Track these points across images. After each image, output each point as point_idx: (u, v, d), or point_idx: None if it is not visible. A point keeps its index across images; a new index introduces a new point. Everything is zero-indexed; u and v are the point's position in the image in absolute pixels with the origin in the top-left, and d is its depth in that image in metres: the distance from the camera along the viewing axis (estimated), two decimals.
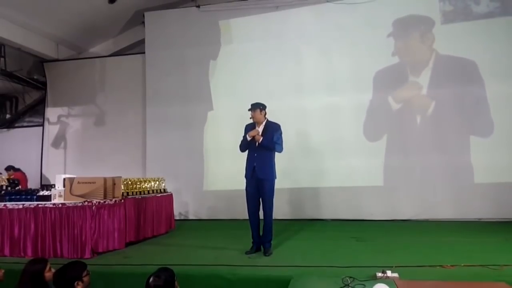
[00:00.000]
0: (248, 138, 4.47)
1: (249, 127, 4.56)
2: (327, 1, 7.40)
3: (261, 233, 4.49)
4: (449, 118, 6.87)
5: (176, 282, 2.64)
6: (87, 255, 4.39)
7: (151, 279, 2.55)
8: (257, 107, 4.52)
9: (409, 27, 7.16)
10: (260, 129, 4.52)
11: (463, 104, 6.82)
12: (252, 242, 4.52)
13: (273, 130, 4.50)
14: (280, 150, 4.54)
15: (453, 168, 6.76)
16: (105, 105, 8.84)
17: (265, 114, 4.58)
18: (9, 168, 7.86)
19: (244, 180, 4.56)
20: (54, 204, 4.63)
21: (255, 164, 4.42)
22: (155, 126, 8.15)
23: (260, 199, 4.47)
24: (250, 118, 4.55)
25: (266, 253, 4.36)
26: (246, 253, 4.40)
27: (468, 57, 6.84)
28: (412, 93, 7.07)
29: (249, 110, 4.53)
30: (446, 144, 6.84)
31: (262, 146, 4.43)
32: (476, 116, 6.78)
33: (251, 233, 4.53)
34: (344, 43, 7.35)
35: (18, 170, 8.02)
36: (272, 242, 4.54)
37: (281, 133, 4.53)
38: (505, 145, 6.61)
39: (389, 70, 7.16)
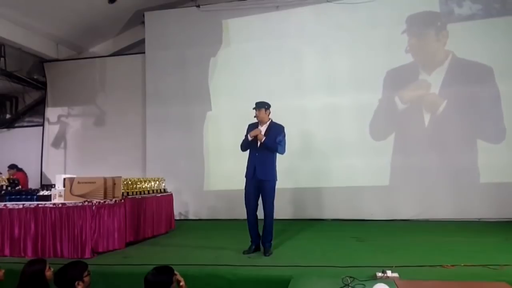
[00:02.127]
0: (249, 138, 4.44)
1: (252, 127, 4.52)
2: (327, 1, 7.38)
3: (261, 233, 4.48)
4: (454, 118, 6.85)
5: (175, 276, 2.66)
6: (87, 255, 4.39)
7: (149, 274, 2.59)
8: (262, 106, 4.48)
9: (420, 25, 7.11)
10: (263, 129, 4.47)
11: (471, 105, 6.80)
12: (251, 241, 4.51)
13: (276, 132, 4.45)
14: (282, 152, 4.50)
15: (454, 168, 6.75)
16: (105, 105, 8.83)
17: (269, 113, 4.53)
18: (12, 167, 7.78)
19: (244, 180, 4.54)
20: (54, 204, 4.63)
21: (256, 164, 4.40)
22: (155, 126, 8.15)
23: (261, 199, 4.45)
24: (255, 117, 4.52)
25: (266, 253, 4.35)
26: (244, 252, 4.39)
27: (468, 56, 6.85)
28: (421, 92, 7.03)
29: (253, 108, 4.50)
30: (448, 144, 6.83)
31: (264, 146, 4.39)
32: (484, 119, 6.76)
33: (249, 232, 4.52)
34: (344, 43, 7.35)
35: (21, 170, 7.97)
36: (272, 242, 4.53)
37: (284, 135, 4.48)
38: (505, 145, 6.62)
39: (397, 69, 7.13)
